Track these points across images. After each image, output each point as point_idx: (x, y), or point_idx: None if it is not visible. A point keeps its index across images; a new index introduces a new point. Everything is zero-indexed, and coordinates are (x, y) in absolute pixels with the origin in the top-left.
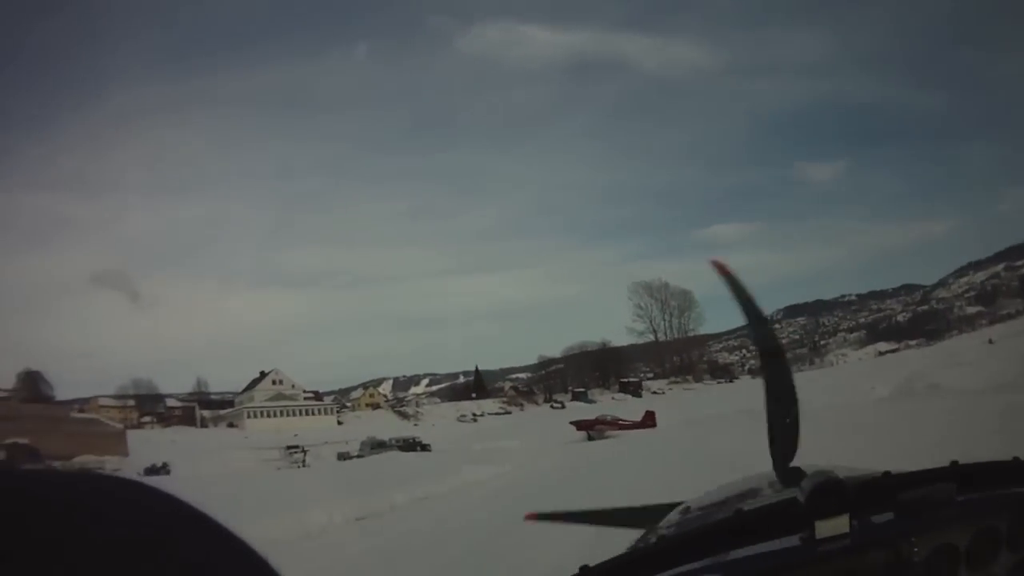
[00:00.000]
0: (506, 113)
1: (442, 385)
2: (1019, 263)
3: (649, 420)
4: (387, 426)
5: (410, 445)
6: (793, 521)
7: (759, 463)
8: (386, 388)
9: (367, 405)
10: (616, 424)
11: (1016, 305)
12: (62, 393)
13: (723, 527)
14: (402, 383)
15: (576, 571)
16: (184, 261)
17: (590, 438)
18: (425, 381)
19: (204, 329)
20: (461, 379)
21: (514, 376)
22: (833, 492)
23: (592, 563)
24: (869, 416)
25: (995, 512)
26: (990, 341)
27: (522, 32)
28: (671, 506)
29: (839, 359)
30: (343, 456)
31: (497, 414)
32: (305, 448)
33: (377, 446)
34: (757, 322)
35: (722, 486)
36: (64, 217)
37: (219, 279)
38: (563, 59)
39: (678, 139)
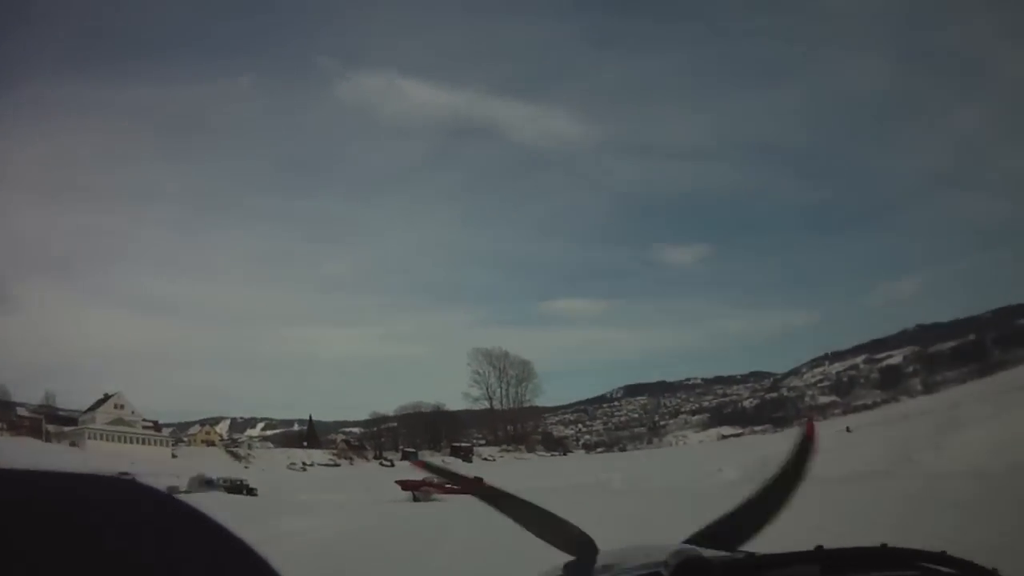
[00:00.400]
0: (375, 165)
1: (277, 431)
2: (879, 356)
3: (477, 485)
4: (219, 465)
5: (237, 487)
6: None
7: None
8: (223, 427)
9: (203, 441)
10: (442, 488)
11: (873, 396)
12: None
13: None
14: (239, 424)
15: None
16: (48, 271)
17: (415, 499)
18: (261, 424)
19: (61, 341)
20: (296, 427)
21: (347, 429)
22: (697, 569)
23: None
24: (720, 498)
25: None
26: (847, 429)
27: (403, 86)
28: (568, 525)
29: (679, 440)
30: (171, 490)
31: (327, 465)
32: (132, 477)
33: (205, 484)
34: None
35: (620, 550)
36: None
37: (80, 293)
38: (439, 118)
39: (540, 210)
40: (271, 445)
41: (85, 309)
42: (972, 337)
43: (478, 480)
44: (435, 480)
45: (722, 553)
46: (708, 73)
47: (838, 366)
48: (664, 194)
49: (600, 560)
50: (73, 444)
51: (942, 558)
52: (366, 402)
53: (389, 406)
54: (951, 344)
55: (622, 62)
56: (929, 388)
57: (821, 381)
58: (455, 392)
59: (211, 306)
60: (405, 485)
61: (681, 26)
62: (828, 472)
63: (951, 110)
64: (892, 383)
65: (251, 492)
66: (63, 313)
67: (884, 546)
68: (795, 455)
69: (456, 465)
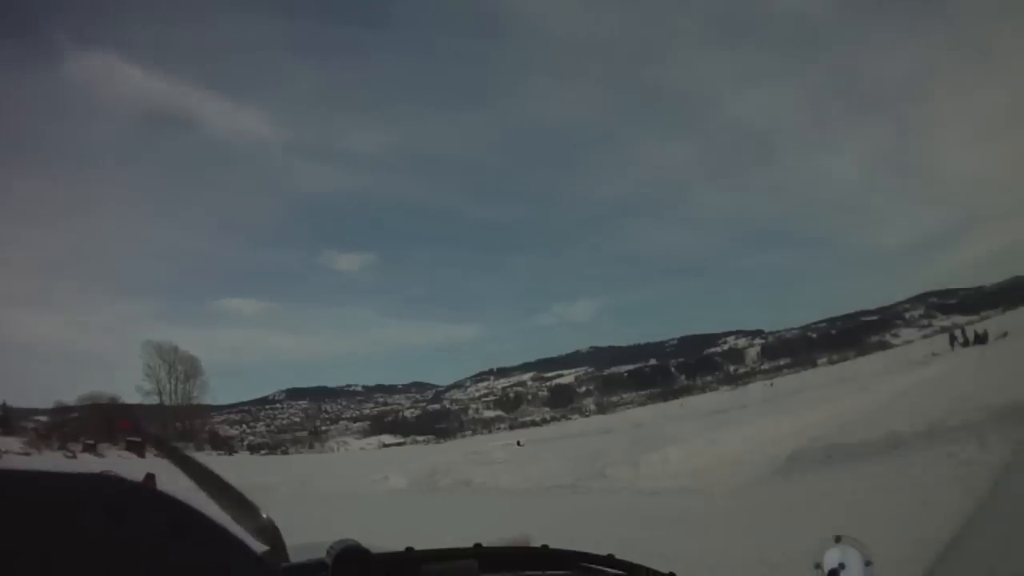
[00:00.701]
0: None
1: None
2: (549, 374)
3: (151, 484)
4: None
5: None
6: None
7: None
8: None
9: None
10: None
11: (542, 413)
12: None
13: None
14: None
15: None
16: None
17: None
18: None
19: None
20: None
21: (38, 418)
22: (357, 559)
23: None
24: (387, 505)
25: None
26: (518, 443)
27: (119, 69)
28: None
29: (341, 446)
30: None
31: (18, 454)
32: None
33: None
34: None
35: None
36: None
37: None
38: (135, 102)
39: (218, 205)
40: None
41: None
42: (653, 362)
43: (150, 477)
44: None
45: (384, 549)
46: (403, 87)
47: (504, 381)
48: (340, 201)
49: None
50: None
51: (609, 561)
52: (55, 389)
53: (74, 395)
54: (629, 367)
55: (321, 68)
56: (603, 408)
57: (486, 395)
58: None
59: None
60: None
61: (387, 38)
62: (510, 484)
63: (648, 145)
64: (563, 401)
65: None
66: None
67: (545, 547)
68: None
69: (131, 460)
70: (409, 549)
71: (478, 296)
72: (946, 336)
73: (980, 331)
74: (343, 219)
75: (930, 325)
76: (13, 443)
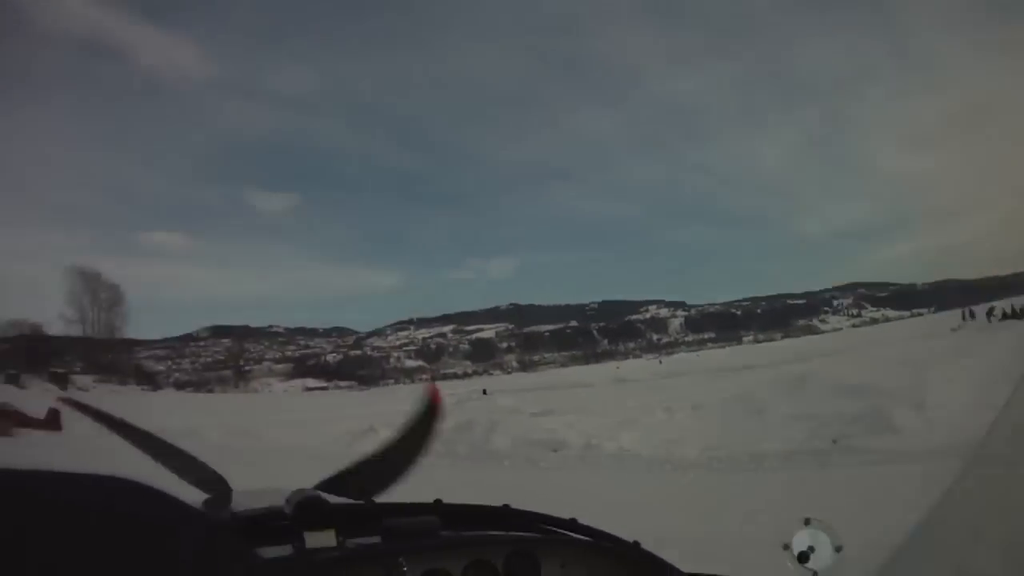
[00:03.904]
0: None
1: None
2: (469, 328)
3: (53, 421)
4: None
5: None
6: (281, 532)
7: None
8: None
9: None
10: (20, 420)
11: (464, 367)
12: None
13: (217, 529)
14: None
15: None
16: None
17: None
18: None
19: None
20: None
21: None
22: (316, 508)
23: None
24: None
25: (489, 549)
26: (484, 391)
27: None
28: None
29: (264, 387)
30: None
31: None
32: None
33: None
34: None
35: (259, 491)
36: None
37: None
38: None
39: (146, 138)
40: None
41: None
42: (574, 323)
43: (54, 413)
44: (7, 408)
45: (345, 500)
46: (333, 30)
47: (424, 332)
48: (265, 140)
49: (233, 501)
50: None
51: (570, 524)
52: None
53: None
54: (550, 327)
55: (254, 5)
56: (525, 366)
57: (407, 345)
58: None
59: None
60: None
61: None
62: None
63: (577, 111)
64: (484, 356)
65: None
66: None
67: (506, 506)
68: (422, 414)
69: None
70: (370, 501)
71: (397, 245)
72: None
73: (1018, 307)
74: (267, 158)
75: (859, 315)
76: None
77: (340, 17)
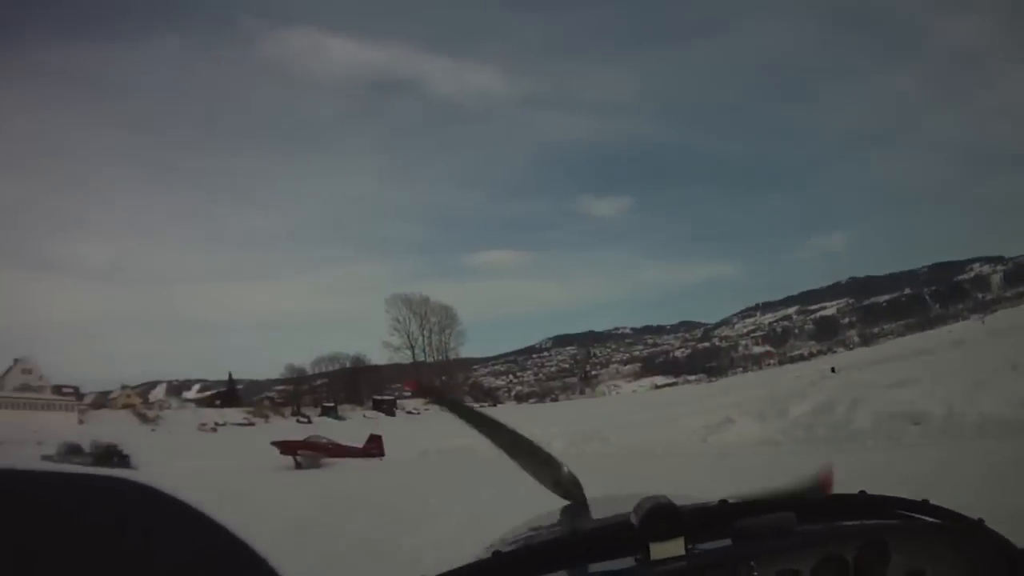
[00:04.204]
0: (298, 121)
1: (212, 391)
2: (812, 307)
3: (374, 447)
4: (127, 430)
5: (106, 456)
6: (627, 543)
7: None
8: (159, 391)
9: (124, 406)
10: (329, 449)
11: (808, 347)
12: None
13: (558, 545)
14: (175, 387)
15: None
16: None
17: (298, 465)
18: (197, 386)
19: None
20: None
21: (279, 388)
22: (667, 516)
23: None
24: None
25: (840, 542)
26: (833, 370)
27: (327, 43)
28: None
29: (611, 390)
30: (47, 458)
31: (240, 424)
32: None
33: (72, 452)
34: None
35: (593, 499)
36: None
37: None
38: (361, 73)
39: (463, 163)
40: (194, 406)
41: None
42: (908, 291)
43: (375, 440)
44: (322, 440)
45: (693, 501)
46: (628, 29)
47: (770, 316)
48: (586, 147)
49: (556, 515)
50: None
51: (923, 507)
52: (294, 358)
53: (310, 360)
54: (886, 297)
55: (543, 18)
56: (867, 340)
57: (754, 331)
58: (379, 345)
59: (138, 269)
60: (284, 448)
61: None
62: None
63: (872, 74)
64: (828, 334)
65: (122, 461)
66: None
67: (862, 492)
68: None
69: (378, 420)
70: (723, 502)
71: (733, 233)
72: None
73: None
74: (590, 166)
75: None
76: (236, 415)
77: (625, 16)
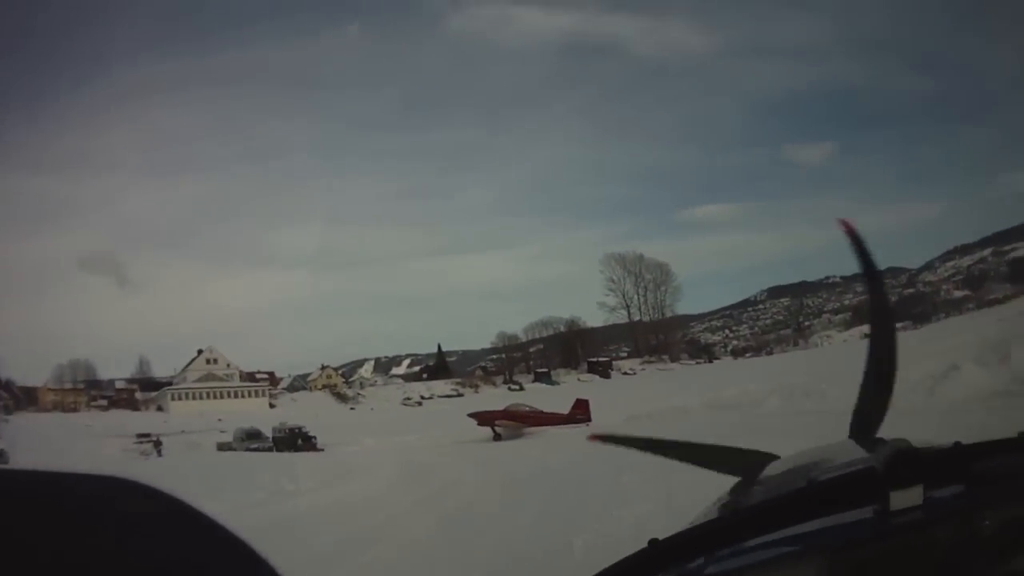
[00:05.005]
0: (498, 92)
1: (421, 366)
2: (1006, 248)
3: (580, 412)
4: (321, 410)
5: (290, 439)
6: (867, 491)
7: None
8: (368, 369)
9: (324, 386)
10: (530, 417)
11: (1003, 290)
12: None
13: (796, 498)
14: (384, 364)
15: (646, 545)
16: (173, 242)
17: (497, 436)
18: (407, 361)
19: (190, 312)
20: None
21: (495, 356)
22: (909, 461)
23: None
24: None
25: None
26: None
27: (515, 13)
28: (748, 453)
29: (824, 340)
30: (224, 447)
31: (447, 396)
32: (158, 438)
33: (251, 437)
34: (873, 281)
35: (803, 452)
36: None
37: (205, 261)
38: (555, 40)
39: (668, 120)
40: (401, 382)
41: (216, 276)
42: None
43: (581, 404)
44: (523, 408)
45: (926, 443)
46: None
47: (967, 260)
48: (787, 95)
49: (778, 467)
50: (160, 408)
51: None
52: (513, 326)
53: (522, 327)
54: None
55: None
56: None
57: (954, 275)
58: (593, 308)
59: (352, 252)
60: (481, 418)
61: None
62: None
63: None
64: (1022, 276)
65: (308, 443)
66: (194, 283)
67: None
68: None
69: (593, 382)
70: (957, 444)
71: (927, 174)
72: None
73: None
74: (791, 113)
75: None
76: (443, 387)
77: None
